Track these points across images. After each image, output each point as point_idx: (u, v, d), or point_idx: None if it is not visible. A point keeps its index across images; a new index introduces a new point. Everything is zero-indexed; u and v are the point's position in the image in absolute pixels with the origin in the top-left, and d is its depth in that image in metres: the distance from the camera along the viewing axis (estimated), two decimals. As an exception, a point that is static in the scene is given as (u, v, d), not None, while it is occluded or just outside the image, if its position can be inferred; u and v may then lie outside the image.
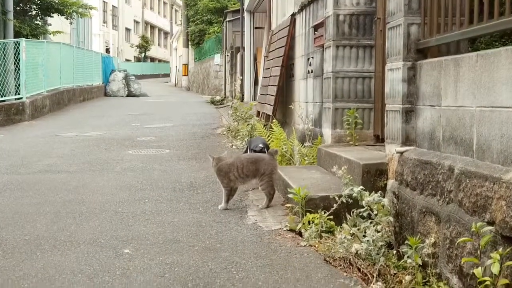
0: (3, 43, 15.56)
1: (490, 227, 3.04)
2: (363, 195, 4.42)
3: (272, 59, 9.99)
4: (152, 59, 64.88)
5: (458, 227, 3.40)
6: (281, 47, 9.15)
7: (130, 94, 26.49)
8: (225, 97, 23.32)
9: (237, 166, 5.51)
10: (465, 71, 3.53)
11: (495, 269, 2.89)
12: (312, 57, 7.61)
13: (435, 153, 3.94)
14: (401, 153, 4.41)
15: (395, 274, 3.85)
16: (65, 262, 3.97)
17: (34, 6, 19.95)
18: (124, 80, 26.79)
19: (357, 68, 6.32)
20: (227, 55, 24.17)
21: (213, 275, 3.70)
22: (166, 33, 69.30)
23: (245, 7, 18.65)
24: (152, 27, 66.43)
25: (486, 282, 2.95)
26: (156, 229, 4.80)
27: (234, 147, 9.35)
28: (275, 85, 8.99)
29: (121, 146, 9.80)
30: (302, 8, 8.17)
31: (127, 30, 57.54)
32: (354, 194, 4.51)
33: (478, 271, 3.04)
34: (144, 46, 58.12)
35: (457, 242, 3.29)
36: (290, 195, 4.94)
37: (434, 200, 3.76)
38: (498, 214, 3.02)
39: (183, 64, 39.02)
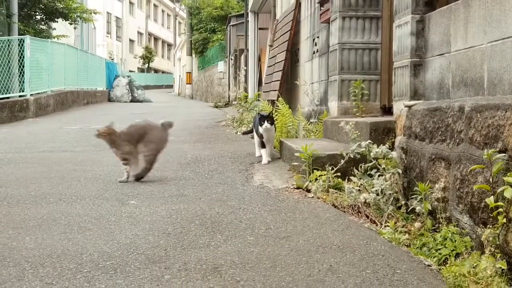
0: (8, 40, 15.60)
1: (502, 154, 2.99)
2: (371, 149, 4.39)
3: (277, 46, 9.98)
4: (156, 70, 65.02)
5: (469, 164, 3.36)
6: (286, 32, 9.14)
7: (134, 100, 26.46)
8: (229, 101, 23.31)
9: (126, 133, 5.32)
10: (476, 10, 3.50)
11: (508, 193, 2.84)
12: (318, 37, 7.59)
13: (444, 101, 3.90)
14: (409, 107, 4.37)
15: (403, 225, 3.81)
16: (70, 209, 3.94)
17: (39, 11, 20.06)
18: (128, 86, 26.77)
19: (363, 40, 6.29)
20: (231, 59, 24.18)
21: (220, 216, 3.66)
22: (169, 45, 69.47)
23: (249, 7, 18.68)
24: (156, 38, 66.65)
25: (499, 209, 2.90)
26: (162, 188, 4.76)
27: (238, 133, 9.31)
28: (280, 70, 8.97)
29: (125, 135, 9.75)
30: (308, -10, 8.17)
31: (131, 41, 57.73)
32: (362, 149, 4.48)
33: (490, 200, 2.98)
34: (147, 57, 58.28)
35: (469, 169, 3.23)
36: (296, 154, 4.89)
37: (444, 145, 3.71)
38: (511, 140, 2.98)
39: (186, 73, 39.05)
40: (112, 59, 39.98)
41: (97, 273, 2.60)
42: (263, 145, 6.13)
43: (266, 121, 5.97)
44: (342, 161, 4.57)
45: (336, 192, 4.33)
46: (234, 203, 4.06)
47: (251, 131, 6.93)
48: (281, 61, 9.12)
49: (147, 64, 59.03)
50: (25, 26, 18.13)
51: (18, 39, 15.62)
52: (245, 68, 17.83)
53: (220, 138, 8.82)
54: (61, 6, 19.86)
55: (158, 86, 56.64)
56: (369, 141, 4.46)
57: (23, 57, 15.14)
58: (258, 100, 11.23)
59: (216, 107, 21.70)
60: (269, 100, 9.90)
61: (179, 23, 63.80)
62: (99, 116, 15.73)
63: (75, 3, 20.91)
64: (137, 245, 3.03)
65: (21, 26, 17.73)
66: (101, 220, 3.60)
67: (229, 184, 4.94)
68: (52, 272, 2.62)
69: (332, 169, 4.57)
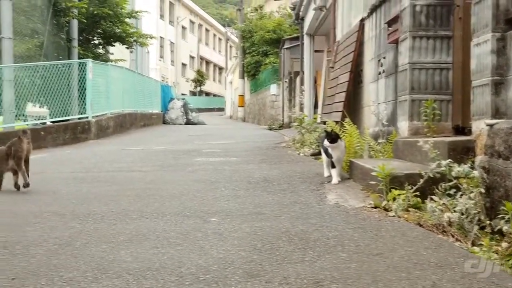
0: (69, 63, 16.07)
1: None
2: (452, 168, 4.35)
3: (338, 68, 10.00)
4: (207, 94, 65.78)
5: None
6: (348, 53, 9.16)
7: (188, 122, 26.80)
8: (283, 123, 23.39)
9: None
10: None
11: None
12: (384, 57, 7.59)
13: (530, 118, 3.86)
14: (491, 126, 4.33)
15: (490, 245, 3.75)
16: (155, 225, 4.01)
17: (97, 35, 20.60)
18: (182, 108, 27.15)
19: (434, 59, 6.26)
20: (285, 81, 24.31)
21: (305, 233, 3.68)
22: (220, 68, 70.33)
23: (305, 30, 18.79)
24: (207, 62, 67.52)
25: None
26: (239, 206, 4.80)
27: (301, 154, 9.33)
28: (344, 91, 8.97)
29: (188, 155, 9.88)
30: (372, 11, 8.19)
31: (183, 65, 58.62)
32: (442, 168, 4.44)
33: None
34: (199, 80, 59.05)
35: None
36: (373, 173, 4.88)
37: (532, 163, 3.66)
38: None
39: (239, 95, 39.39)
40: (166, 83, 40.61)
41: (200, 286, 2.64)
42: (332, 165, 6.14)
43: (336, 141, 5.99)
44: (421, 181, 4.54)
45: (417, 211, 4.30)
46: (316, 221, 4.07)
47: (319, 153, 6.94)
48: (344, 82, 9.13)
49: (199, 87, 59.75)
50: (84, 50, 18.66)
51: (79, 63, 16.07)
52: (303, 90, 17.91)
53: (283, 159, 8.84)
54: (119, 30, 20.34)
55: (209, 109, 57.21)
56: (449, 160, 4.42)
57: (83, 80, 15.54)
58: (321, 122, 11.23)
59: (271, 129, 21.80)
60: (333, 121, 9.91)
61: (230, 46, 64.59)
62: (158, 138, 16.02)
63: (132, 28, 21.40)
64: (232, 259, 3.07)
65: (80, 50, 18.25)
66: (188, 236, 3.65)
67: (304, 203, 4.94)
68: (155, 284, 2.67)
69: (411, 188, 4.54)
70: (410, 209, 4.39)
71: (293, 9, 21.90)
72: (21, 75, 14.90)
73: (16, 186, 5.92)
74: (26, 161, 5.92)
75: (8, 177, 6.00)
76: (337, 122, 8.66)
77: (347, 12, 10.52)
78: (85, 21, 18.16)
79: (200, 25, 64.53)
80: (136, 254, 3.22)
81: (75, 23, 18.01)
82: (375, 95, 8.03)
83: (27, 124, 14.96)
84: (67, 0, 17.40)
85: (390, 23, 7.05)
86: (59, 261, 3.09)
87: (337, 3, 11.61)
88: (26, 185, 5.84)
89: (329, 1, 13.21)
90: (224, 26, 69.49)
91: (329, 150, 6.04)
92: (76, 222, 4.16)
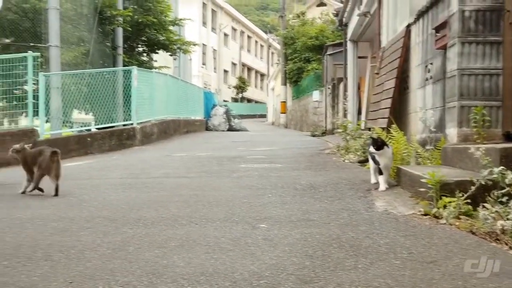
0: (114, 71, 16.32)
1: None
2: (505, 175, 4.28)
3: (384, 74, 9.93)
4: (249, 100, 66.00)
5: None
6: (394, 60, 9.09)
7: (231, 129, 26.92)
8: (326, 130, 23.31)
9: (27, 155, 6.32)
10: None
11: None
12: (431, 63, 7.50)
13: None
14: (545, 132, 4.25)
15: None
16: (205, 231, 4.04)
17: (141, 43, 20.90)
18: (225, 115, 27.30)
19: (483, 65, 6.16)
20: (328, 88, 24.24)
21: (356, 240, 3.66)
22: (262, 75, 70.50)
23: (348, 36, 18.72)
24: (249, 69, 67.79)
25: None
26: (287, 213, 4.81)
27: (346, 161, 9.29)
28: (389, 97, 8.90)
29: (232, 162, 9.92)
30: (419, 16, 8.11)
31: (225, 71, 58.97)
32: (494, 175, 4.37)
33: None
34: (241, 87, 59.31)
35: None
36: (423, 180, 4.83)
37: None
38: None
39: (281, 102, 39.41)
40: (209, 90, 40.91)
41: (254, 291, 2.66)
42: (379, 172, 6.10)
43: (382, 148, 5.96)
44: (473, 188, 4.47)
45: (468, 219, 4.24)
46: (365, 228, 4.05)
47: (366, 160, 6.90)
48: (390, 88, 9.06)
49: (241, 94, 59.99)
50: (128, 58, 18.97)
51: (124, 70, 16.31)
52: (346, 96, 17.85)
53: (328, 165, 8.82)
54: (163, 38, 20.61)
55: (251, 115, 57.37)
56: (502, 167, 4.35)
57: (128, 87, 15.75)
58: (366, 128, 11.16)
59: (313, 135, 21.74)
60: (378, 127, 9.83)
61: (272, 53, 64.73)
62: (201, 144, 16.13)
63: (176, 35, 21.64)
64: (284, 266, 3.08)
65: (125, 58, 18.54)
66: (239, 242, 3.67)
67: (352, 210, 4.92)
68: (210, 289, 2.70)
69: (462, 195, 4.48)
70: (461, 216, 4.32)
71: (336, 15, 21.87)
72: (68, 83, 15.20)
73: (24, 191, 6.27)
74: (57, 177, 6.18)
75: (47, 182, 6.14)
76: (383, 128, 8.59)
77: (392, 18, 10.45)
78: (130, 29, 18.46)
79: (242, 32, 64.86)
80: (189, 259, 3.25)
81: (120, 31, 18.33)
82: (422, 101, 7.94)
83: (72, 131, 15.24)
84: (113, 9, 17.72)
85: (438, 28, 6.97)
86: (114, 265, 3.14)
87: (382, 9, 11.54)
88: (30, 190, 6.24)
89: (374, 7, 13.14)
90: (265, 32, 69.62)
91: (376, 157, 6.01)
92: (127, 227, 4.23)
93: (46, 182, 6.16)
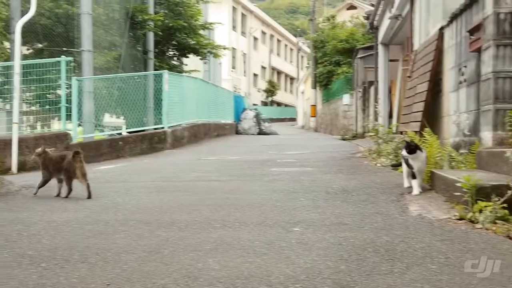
0: (145, 75, 16.47)
1: None
2: (542, 179, 4.22)
3: (416, 77, 9.86)
4: (278, 104, 66.01)
5: None
6: (427, 63, 9.02)
7: (260, 132, 26.96)
8: (356, 134, 23.22)
9: (48, 159, 6.40)
10: None
11: None
12: (465, 66, 7.43)
13: None
14: None
15: None
16: (239, 235, 4.05)
17: (172, 47, 21.03)
18: (255, 119, 27.33)
19: (519, 68, 6.09)
20: (359, 91, 24.14)
21: (391, 244, 3.64)
22: (292, 79, 70.52)
23: (379, 39, 18.63)
24: (279, 72, 67.80)
25: None
26: (320, 216, 4.79)
27: (378, 165, 9.23)
28: (422, 101, 8.82)
29: (263, 165, 9.92)
30: (452, 19, 8.04)
31: (255, 75, 59.06)
32: (532, 180, 4.31)
33: None
34: (270, 90, 59.35)
35: None
36: (458, 184, 4.78)
37: None
38: None
39: (311, 106, 39.37)
40: (238, 93, 41.04)
41: (290, 295, 2.66)
42: (413, 176, 6.05)
43: (414, 151, 5.92)
44: (509, 192, 4.41)
45: (505, 224, 4.19)
46: (400, 232, 4.02)
47: (400, 164, 6.84)
48: (422, 91, 8.99)
49: (270, 98, 60.04)
50: (159, 62, 19.12)
51: (155, 74, 16.44)
52: (378, 99, 17.75)
53: (360, 169, 8.78)
54: (193, 42, 20.70)
55: (280, 119, 57.38)
56: (540, 171, 4.29)
57: (158, 91, 15.86)
58: (397, 132, 11.09)
59: (344, 139, 21.66)
60: (407, 132, 9.76)
61: (302, 56, 64.69)
62: (231, 148, 16.18)
63: (206, 39, 21.74)
64: (319, 269, 3.07)
65: (156, 62, 18.67)
66: (273, 245, 3.67)
67: (385, 214, 4.89)
68: (246, 292, 2.71)
69: (498, 200, 4.42)
70: (497, 221, 4.27)
71: (367, 18, 21.77)
72: (100, 87, 15.37)
73: (58, 194, 6.32)
74: (84, 175, 6.22)
75: (76, 186, 6.20)
76: (416, 132, 8.53)
77: (424, 21, 10.37)
78: (160, 33, 18.60)
79: (271, 36, 64.91)
80: (224, 262, 3.26)
81: (151, 36, 18.48)
82: (456, 104, 7.86)
83: (103, 135, 15.39)
84: (144, 13, 17.87)
85: (472, 31, 6.90)
86: (150, 268, 3.17)
87: (414, 12, 11.46)
88: (66, 195, 6.25)
89: (406, 9, 13.06)
90: (295, 36, 69.68)
91: (410, 160, 5.97)
92: (161, 230, 4.25)
93: (78, 185, 6.23)
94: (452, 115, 8.01)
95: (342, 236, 3.92)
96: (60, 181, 6.34)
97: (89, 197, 6.08)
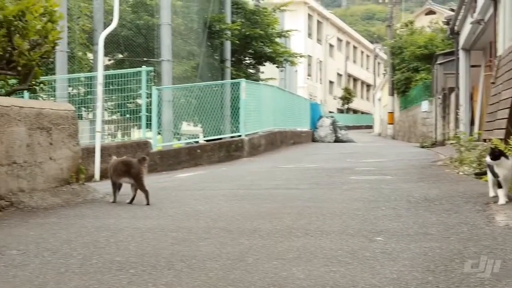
0: (222, 84, 16.66)
1: None
2: None
3: (501, 83, 9.57)
4: (355, 111, 65.49)
5: None
6: (512, 68, 8.76)
7: (337, 140, 26.82)
8: (436, 141, 22.75)
9: (114, 165, 6.50)
10: None
11: None
12: (553, 71, 7.17)
13: None
14: None
15: None
16: (321, 243, 4.04)
17: (248, 56, 21.22)
18: (331, 126, 27.23)
19: None
20: (438, 98, 23.65)
21: (479, 255, 3.53)
22: (368, 85, 69.83)
23: (460, 45, 18.21)
24: (355, 79, 67.32)
25: None
26: (402, 226, 4.71)
27: (461, 173, 9.01)
28: (507, 108, 8.55)
29: (341, 173, 9.86)
30: (539, 23, 7.79)
31: (331, 82, 58.86)
32: None
33: None
34: (347, 98, 58.97)
35: None
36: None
37: None
38: None
39: (388, 113, 38.87)
40: (314, 101, 40.97)
41: (377, 306, 2.62)
42: (499, 185, 5.87)
43: (498, 158, 5.74)
44: None
45: None
46: (488, 243, 3.90)
47: (484, 173, 6.65)
48: (507, 98, 8.71)
49: (346, 105, 59.66)
50: (236, 71, 19.33)
51: (232, 83, 16.61)
52: (460, 106, 17.34)
53: (442, 177, 8.59)
54: (269, 50, 20.82)
55: (357, 126, 56.90)
56: None
57: (235, 99, 16.01)
58: (482, 140, 10.79)
59: (423, 147, 21.29)
60: (491, 140, 9.48)
61: (378, 63, 64.00)
62: (308, 155, 16.16)
63: (282, 47, 21.83)
64: (406, 280, 3.02)
65: (232, 71, 18.88)
66: (356, 255, 3.64)
67: (471, 224, 4.76)
68: (332, 302, 2.69)
69: None
70: None
71: (447, 23, 21.33)
72: (178, 95, 15.66)
73: (132, 201, 6.44)
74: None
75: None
76: (501, 139, 8.27)
77: (509, 25, 10.07)
78: (237, 42, 18.81)
79: (347, 43, 64.54)
80: (308, 271, 3.25)
81: (228, 45, 18.72)
82: (543, 111, 7.60)
83: (181, 143, 15.66)
84: (222, 23, 18.12)
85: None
86: (235, 276, 3.19)
87: (498, 16, 11.14)
88: (147, 203, 6.32)
89: (488, 14, 12.71)
90: (371, 42, 68.97)
91: (495, 168, 5.78)
92: (244, 238, 4.28)
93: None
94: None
95: (427, 247, 3.84)
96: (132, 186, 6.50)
97: (148, 203, 6.23)
